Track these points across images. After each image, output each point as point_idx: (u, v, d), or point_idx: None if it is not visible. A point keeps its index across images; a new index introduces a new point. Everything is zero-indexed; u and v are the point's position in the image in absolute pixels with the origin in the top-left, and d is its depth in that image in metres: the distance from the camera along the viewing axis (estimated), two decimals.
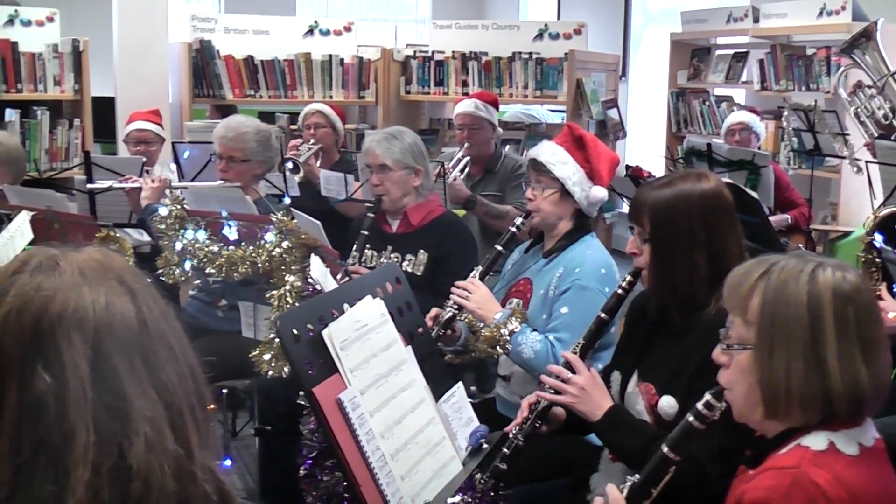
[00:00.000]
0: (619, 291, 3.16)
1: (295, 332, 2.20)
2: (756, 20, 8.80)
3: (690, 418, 2.34)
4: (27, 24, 7.16)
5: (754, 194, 5.41)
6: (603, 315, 3.19)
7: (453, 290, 3.82)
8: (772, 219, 5.95)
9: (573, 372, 3.02)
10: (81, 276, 1.29)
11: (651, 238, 2.97)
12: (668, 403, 2.89)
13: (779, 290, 2.15)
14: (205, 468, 1.31)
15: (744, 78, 9.34)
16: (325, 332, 2.24)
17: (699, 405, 2.33)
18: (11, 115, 7.03)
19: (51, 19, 7.27)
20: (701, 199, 2.92)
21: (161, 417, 1.27)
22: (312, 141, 6.51)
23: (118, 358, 1.25)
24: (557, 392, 3.02)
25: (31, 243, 3.48)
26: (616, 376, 3.16)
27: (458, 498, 2.56)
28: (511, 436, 3.10)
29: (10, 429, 1.20)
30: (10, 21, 7.10)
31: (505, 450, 3.08)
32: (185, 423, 1.30)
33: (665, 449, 2.35)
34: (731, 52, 9.59)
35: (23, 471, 1.19)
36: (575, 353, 3.11)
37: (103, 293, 1.28)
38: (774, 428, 2.21)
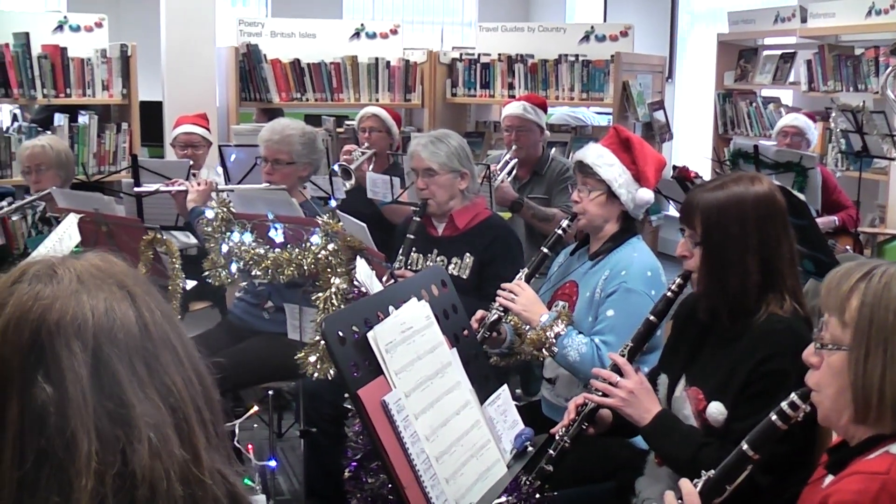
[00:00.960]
0: (669, 294, 3.13)
1: (340, 334, 2.20)
2: (804, 20, 8.73)
3: (773, 417, 2.31)
4: (76, 29, 7.24)
5: (802, 196, 5.36)
6: (652, 318, 3.18)
7: (499, 292, 3.81)
8: (819, 221, 5.88)
9: (621, 375, 3.01)
10: (80, 283, 1.28)
11: (703, 241, 2.93)
12: (717, 410, 2.86)
13: (880, 293, 2.11)
14: (214, 472, 1.30)
15: (791, 79, 9.26)
16: (370, 335, 2.24)
17: (784, 405, 2.30)
18: (60, 119, 7.12)
19: (99, 25, 7.35)
20: (754, 203, 2.88)
21: (166, 422, 1.25)
22: (366, 145, 6.52)
23: (119, 364, 1.24)
24: (605, 395, 3.01)
25: (79, 245, 3.51)
26: (663, 379, 3.13)
27: (503, 499, 2.55)
28: (557, 437, 3.10)
29: (13, 440, 1.19)
30: (60, 27, 7.19)
31: (551, 451, 3.07)
32: (191, 426, 1.29)
33: (745, 447, 2.33)
34: (779, 52, 9.52)
35: (26, 482, 1.18)
36: (623, 356, 3.09)
37: (102, 299, 1.27)
38: (861, 433, 2.17)
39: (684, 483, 2.31)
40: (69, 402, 1.20)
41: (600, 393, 3.02)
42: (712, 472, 2.34)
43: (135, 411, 1.23)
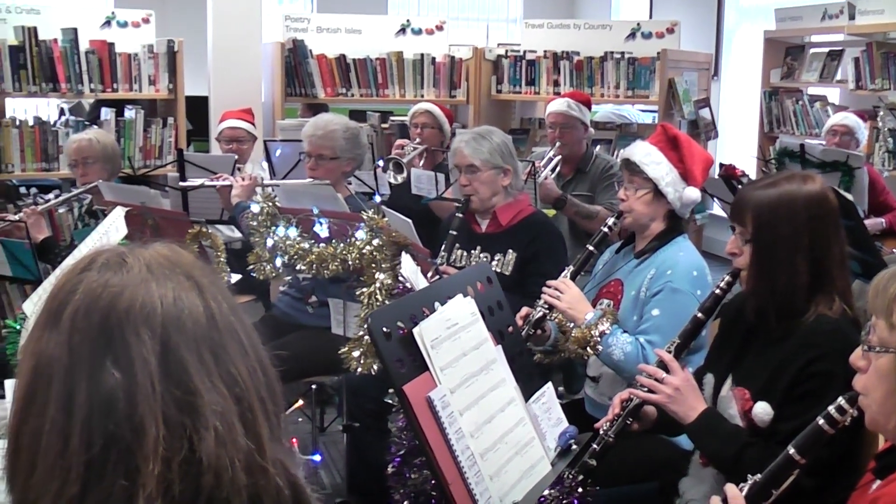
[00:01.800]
0: (717, 292, 3.10)
1: (386, 329, 2.20)
2: (852, 17, 8.62)
3: (821, 422, 2.28)
4: (123, 25, 7.30)
5: (849, 196, 5.31)
6: (699, 315, 3.15)
7: (544, 289, 3.80)
8: (866, 222, 5.82)
9: (667, 371, 2.99)
10: (149, 272, 1.29)
11: (753, 239, 2.91)
12: (763, 410, 2.84)
13: None
14: (276, 462, 1.30)
15: (838, 76, 9.15)
16: (415, 331, 2.24)
17: (831, 409, 2.27)
18: (107, 113, 7.18)
19: (146, 21, 7.40)
20: (806, 203, 2.85)
21: (231, 411, 1.26)
22: (417, 141, 6.53)
23: (187, 352, 1.25)
24: (651, 391, 2.99)
25: (125, 239, 3.53)
26: (709, 379, 3.11)
27: (546, 492, 2.55)
28: (601, 432, 3.09)
29: (81, 424, 1.20)
30: (108, 22, 7.25)
31: (594, 446, 3.06)
32: (255, 416, 1.29)
33: (791, 451, 2.30)
34: (826, 49, 9.41)
35: (94, 466, 1.19)
36: (669, 353, 3.07)
37: (171, 288, 1.28)
38: None
39: (730, 487, 2.29)
40: (137, 388, 1.21)
41: (646, 389, 3.01)
42: (758, 476, 2.32)
43: (202, 399, 1.23)
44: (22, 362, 1.29)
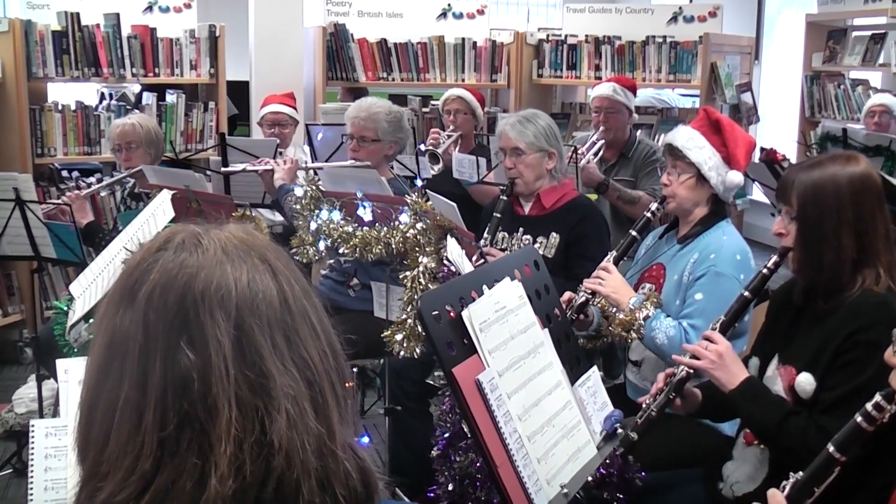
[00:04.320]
0: (765, 271, 3.10)
1: (436, 312, 2.21)
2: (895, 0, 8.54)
3: (859, 419, 2.28)
4: (165, 10, 7.36)
5: (893, 180, 5.26)
6: (746, 293, 3.16)
7: (588, 277, 3.81)
8: None
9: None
10: (224, 254, 1.30)
11: (798, 217, 2.93)
12: (805, 380, 2.86)
13: None
14: (345, 446, 1.31)
15: (881, 60, 9.05)
16: (464, 314, 2.24)
17: (868, 406, 2.26)
18: (148, 98, 7.23)
19: (188, 6, 7.47)
20: (850, 180, 2.88)
21: (303, 395, 1.27)
22: (451, 128, 6.53)
23: (260, 335, 1.26)
24: (696, 359, 3.02)
25: (171, 222, 3.55)
26: (754, 362, 3.13)
27: None
28: (644, 406, 3.11)
29: (156, 402, 1.22)
30: (150, 8, 7.32)
31: (637, 420, 3.08)
32: (326, 400, 1.30)
33: (831, 448, 2.30)
34: (869, 33, 9.31)
35: (168, 444, 1.21)
36: (714, 329, 3.09)
37: (246, 271, 1.29)
38: None
39: (773, 493, 2.28)
40: (211, 369, 1.22)
41: (690, 356, 3.04)
42: (800, 474, 2.31)
43: (274, 382, 1.24)
44: (96, 337, 1.31)
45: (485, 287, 2.38)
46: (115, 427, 1.24)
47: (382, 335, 3.79)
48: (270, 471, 1.23)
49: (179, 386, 1.22)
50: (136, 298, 1.27)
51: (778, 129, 11.20)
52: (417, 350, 3.67)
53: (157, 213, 3.54)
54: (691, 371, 3.10)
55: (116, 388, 1.25)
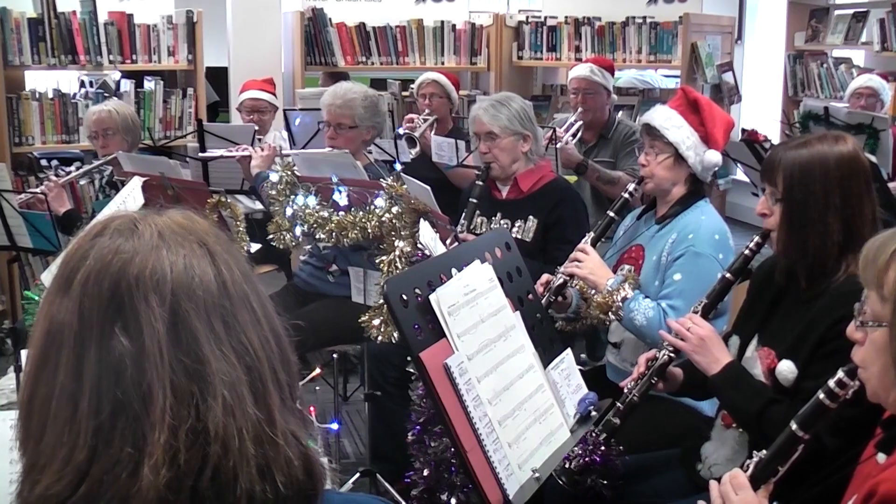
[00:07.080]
0: (747, 252, 3.08)
1: (403, 296, 2.18)
2: None
3: (822, 396, 2.25)
4: None
5: (873, 159, 5.25)
6: (728, 275, 3.14)
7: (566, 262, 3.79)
8: (890, 185, 5.76)
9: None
10: (161, 239, 1.28)
11: (784, 198, 2.88)
12: (787, 368, 2.83)
13: None
14: (287, 433, 1.29)
15: (863, 38, 9.07)
16: (432, 297, 2.21)
17: (831, 382, 2.23)
18: (126, 85, 7.18)
19: None
20: (838, 162, 2.83)
21: (241, 381, 1.25)
22: (427, 112, 6.50)
23: (196, 320, 1.25)
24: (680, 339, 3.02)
25: (143, 208, 3.52)
26: (734, 341, 3.11)
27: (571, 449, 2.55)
28: (626, 391, 3.10)
29: (90, 391, 1.20)
30: None
31: (619, 405, 3.07)
32: (266, 386, 1.28)
33: (794, 426, 2.27)
34: (851, 11, 9.31)
35: (102, 432, 1.19)
36: (696, 312, 3.08)
37: (182, 255, 1.28)
38: None
39: (735, 473, 2.26)
40: (146, 355, 1.21)
41: (673, 335, 3.04)
42: (763, 452, 2.29)
43: (210, 368, 1.23)
44: (35, 327, 1.29)
45: (454, 270, 2.35)
46: (51, 417, 1.22)
47: (360, 320, 3.77)
48: (206, 459, 1.21)
49: (113, 373, 1.21)
50: (71, 286, 1.25)
51: (761, 108, 11.21)
52: (395, 335, 3.65)
53: (128, 200, 3.52)
54: (672, 355, 3.09)
55: (53, 378, 1.23)
